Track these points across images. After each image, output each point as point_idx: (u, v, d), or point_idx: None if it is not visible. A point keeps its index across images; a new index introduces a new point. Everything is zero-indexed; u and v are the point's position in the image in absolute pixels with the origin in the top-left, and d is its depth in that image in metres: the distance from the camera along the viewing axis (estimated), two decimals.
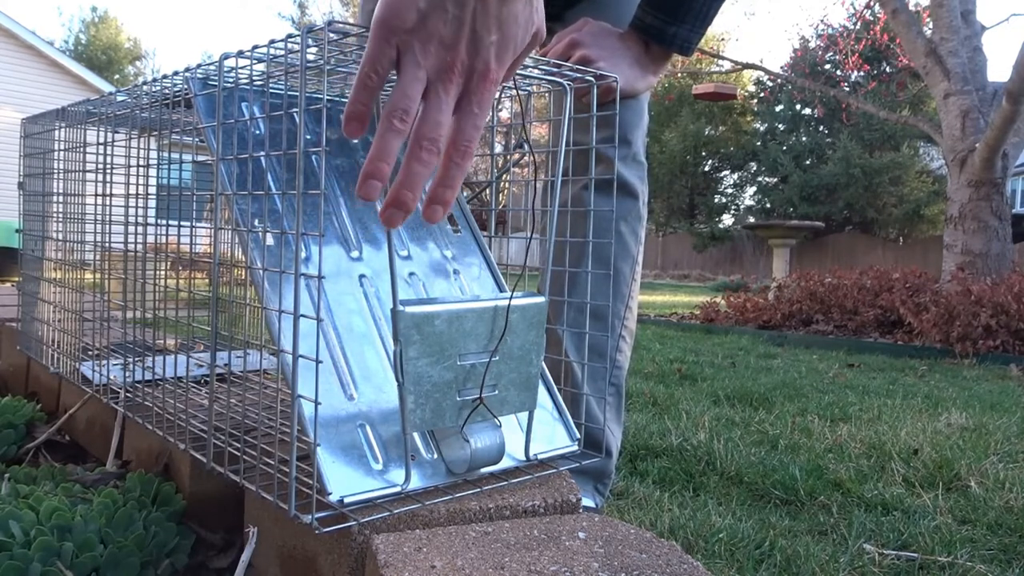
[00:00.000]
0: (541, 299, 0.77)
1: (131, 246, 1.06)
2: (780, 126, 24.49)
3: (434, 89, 0.55)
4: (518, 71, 0.88)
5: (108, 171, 1.10)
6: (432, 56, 0.54)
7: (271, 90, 0.85)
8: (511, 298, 0.74)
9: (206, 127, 0.81)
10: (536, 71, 0.85)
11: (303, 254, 0.79)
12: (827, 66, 19.35)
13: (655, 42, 1.09)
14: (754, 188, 26.15)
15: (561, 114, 1.07)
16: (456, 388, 0.71)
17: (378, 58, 0.54)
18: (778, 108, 23.97)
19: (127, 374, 1.14)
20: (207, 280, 0.94)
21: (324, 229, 0.83)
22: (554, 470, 0.82)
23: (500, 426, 0.75)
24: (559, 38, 1.08)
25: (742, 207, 26.53)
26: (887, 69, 20.30)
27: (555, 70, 0.86)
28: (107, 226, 1.12)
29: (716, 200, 26.32)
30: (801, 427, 2.20)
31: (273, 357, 0.95)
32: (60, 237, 1.30)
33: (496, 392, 0.74)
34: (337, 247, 0.83)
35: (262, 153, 0.80)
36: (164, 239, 1.01)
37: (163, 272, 1.06)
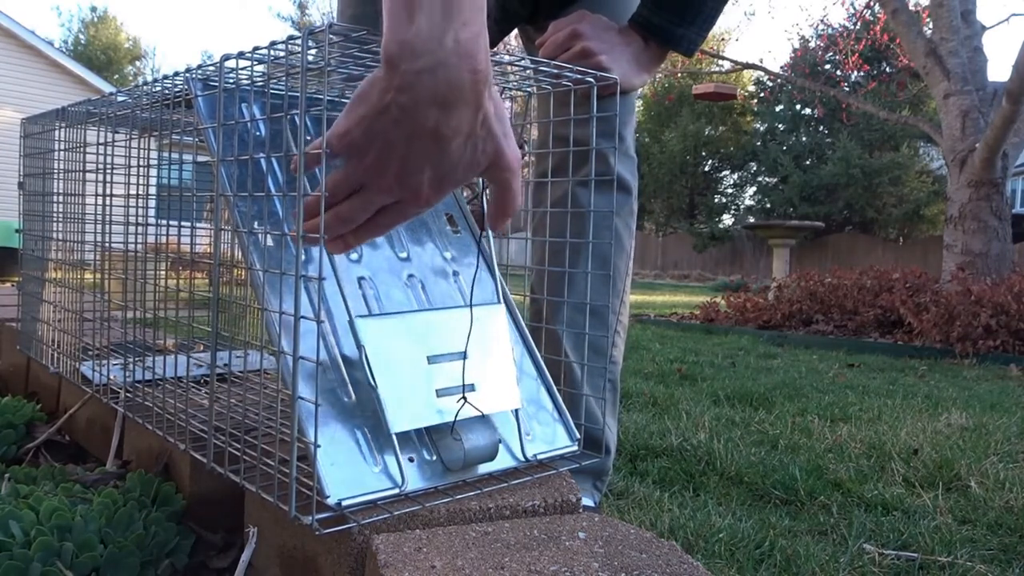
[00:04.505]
0: (498, 305, 0.83)
1: (131, 246, 1.06)
2: (780, 126, 24.47)
3: (366, 192, 0.60)
4: (518, 71, 0.88)
5: (108, 171, 1.10)
6: (362, 174, 0.59)
7: (271, 91, 0.85)
8: (505, 303, 0.74)
9: (206, 128, 0.81)
10: (530, 71, 0.85)
11: (303, 256, 0.79)
12: (827, 66, 19.34)
13: (660, 42, 1.09)
14: (754, 188, 26.15)
15: (553, 114, 1.07)
16: (432, 388, 0.74)
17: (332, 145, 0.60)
18: (778, 108, 23.96)
19: (127, 374, 1.14)
20: (207, 280, 0.94)
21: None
22: (554, 471, 0.82)
23: (485, 418, 0.77)
24: (556, 27, 1.08)
25: (742, 207, 26.53)
26: (887, 69, 20.29)
27: (555, 71, 0.86)
28: (107, 226, 1.12)
29: (716, 200, 26.31)
30: (801, 427, 2.20)
31: (273, 357, 0.96)
32: (60, 237, 1.30)
33: (475, 391, 0.76)
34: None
35: (262, 155, 0.80)
36: (164, 239, 1.01)
37: (163, 272, 1.06)
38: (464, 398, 0.75)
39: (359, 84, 0.58)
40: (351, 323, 0.72)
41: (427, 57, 0.53)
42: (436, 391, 0.74)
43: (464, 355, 0.77)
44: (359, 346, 0.71)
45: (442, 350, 0.76)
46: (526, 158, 1.16)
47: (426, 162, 0.57)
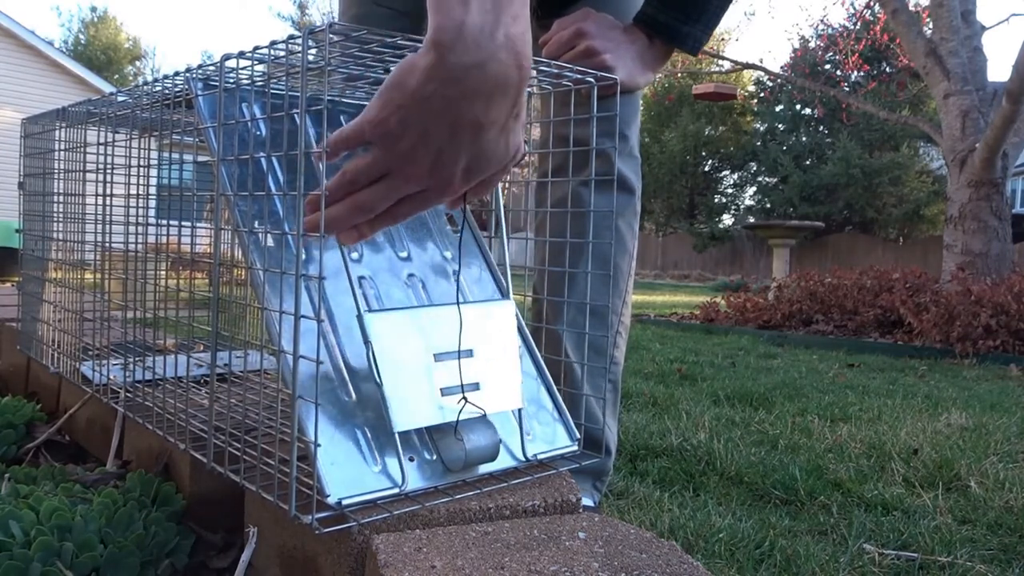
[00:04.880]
0: (506, 301, 0.82)
1: (131, 246, 1.06)
2: (780, 126, 24.46)
3: (391, 179, 0.58)
4: None
5: (108, 171, 1.10)
6: (391, 161, 0.57)
7: (272, 91, 0.85)
8: (511, 301, 0.74)
9: (207, 127, 0.81)
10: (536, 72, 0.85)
11: (303, 256, 0.79)
12: (827, 66, 19.34)
13: (666, 40, 1.08)
14: (754, 188, 26.14)
15: (557, 114, 1.07)
16: (436, 387, 0.73)
17: (352, 140, 0.59)
18: (778, 108, 23.96)
19: (127, 374, 1.14)
20: (207, 280, 0.94)
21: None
22: (554, 471, 0.82)
23: (487, 418, 0.77)
24: (560, 25, 1.07)
25: (742, 207, 26.52)
26: (887, 69, 20.28)
27: (555, 71, 0.85)
28: (107, 226, 1.12)
29: (716, 200, 26.31)
30: (801, 427, 2.20)
31: (273, 357, 0.96)
32: (60, 237, 1.30)
33: (479, 390, 0.75)
34: (336, 249, 0.83)
35: (263, 154, 0.80)
36: (164, 239, 1.01)
37: (163, 272, 1.06)
38: (464, 398, 0.74)
39: (393, 68, 0.56)
40: (359, 318, 0.71)
41: (478, 52, 0.52)
42: (440, 390, 0.73)
43: (470, 352, 0.76)
44: (366, 342, 0.70)
45: (448, 347, 0.75)
46: (528, 158, 1.16)
47: (462, 152, 0.56)
